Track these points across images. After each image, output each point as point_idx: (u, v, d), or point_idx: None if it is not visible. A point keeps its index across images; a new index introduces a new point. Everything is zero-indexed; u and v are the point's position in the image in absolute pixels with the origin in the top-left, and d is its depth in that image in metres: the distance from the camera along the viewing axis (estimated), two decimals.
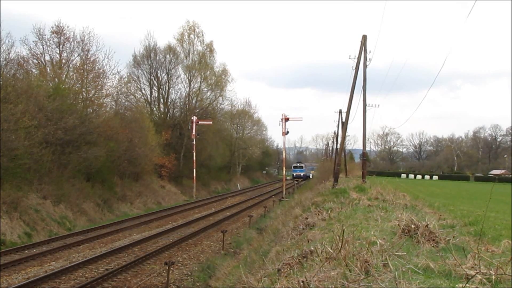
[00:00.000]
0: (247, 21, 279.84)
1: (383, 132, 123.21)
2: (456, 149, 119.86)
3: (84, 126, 27.12)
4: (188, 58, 52.21)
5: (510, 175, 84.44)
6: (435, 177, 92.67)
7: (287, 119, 42.24)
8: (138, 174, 36.01)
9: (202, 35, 53.19)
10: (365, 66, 25.44)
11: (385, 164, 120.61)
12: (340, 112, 49.80)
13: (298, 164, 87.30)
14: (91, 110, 32.00)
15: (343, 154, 39.13)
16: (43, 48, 31.21)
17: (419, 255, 5.59)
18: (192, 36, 52.48)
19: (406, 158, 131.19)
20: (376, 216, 9.93)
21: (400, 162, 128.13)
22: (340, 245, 5.40)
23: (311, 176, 77.48)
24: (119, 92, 37.88)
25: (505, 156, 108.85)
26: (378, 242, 6.07)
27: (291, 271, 5.64)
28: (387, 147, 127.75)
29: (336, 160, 31.68)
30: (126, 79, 42.78)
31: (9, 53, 25.02)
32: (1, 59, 23.93)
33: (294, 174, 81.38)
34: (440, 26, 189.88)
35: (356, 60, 25.20)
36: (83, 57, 32.19)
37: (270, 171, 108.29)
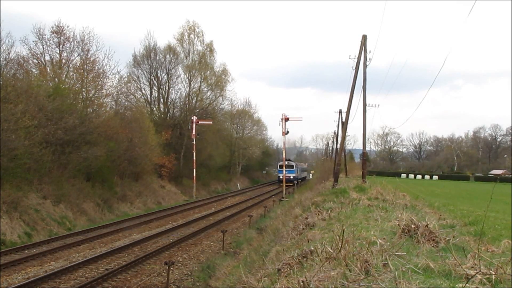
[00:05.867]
0: (247, 21, 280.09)
1: (383, 132, 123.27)
2: (456, 149, 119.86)
3: (84, 126, 27.12)
4: (188, 58, 52.30)
5: (510, 175, 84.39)
6: (435, 177, 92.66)
7: (287, 119, 42.35)
8: (138, 174, 36.02)
9: (202, 35, 53.35)
10: (365, 66, 25.43)
11: (385, 164, 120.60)
12: (340, 112, 49.81)
13: (286, 163, 54.93)
14: (91, 110, 31.99)
15: (343, 154, 39.12)
16: (43, 48, 31.28)
17: (419, 255, 5.59)
18: (192, 36, 52.60)
19: (406, 158, 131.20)
20: (376, 216, 9.93)
21: (400, 162, 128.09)
22: (340, 245, 5.40)
23: (310, 176, 75.96)
24: (119, 92, 37.98)
25: (505, 156, 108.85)
26: (378, 242, 6.08)
27: (291, 271, 5.64)
28: (387, 147, 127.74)
29: (336, 160, 31.67)
30: (126, 79, 42.90)
31: (9, 53, 25.11)
32: (1, 59, 23.97)
33: (280, 177, 56.87)
34: (440, 26, 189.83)
35: (356, 60, 25.19)
36: (83, 57, 32.23)
37: (270, 171, 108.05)
